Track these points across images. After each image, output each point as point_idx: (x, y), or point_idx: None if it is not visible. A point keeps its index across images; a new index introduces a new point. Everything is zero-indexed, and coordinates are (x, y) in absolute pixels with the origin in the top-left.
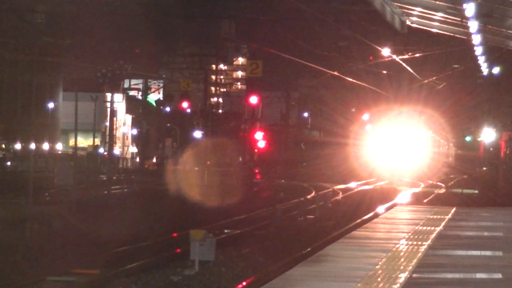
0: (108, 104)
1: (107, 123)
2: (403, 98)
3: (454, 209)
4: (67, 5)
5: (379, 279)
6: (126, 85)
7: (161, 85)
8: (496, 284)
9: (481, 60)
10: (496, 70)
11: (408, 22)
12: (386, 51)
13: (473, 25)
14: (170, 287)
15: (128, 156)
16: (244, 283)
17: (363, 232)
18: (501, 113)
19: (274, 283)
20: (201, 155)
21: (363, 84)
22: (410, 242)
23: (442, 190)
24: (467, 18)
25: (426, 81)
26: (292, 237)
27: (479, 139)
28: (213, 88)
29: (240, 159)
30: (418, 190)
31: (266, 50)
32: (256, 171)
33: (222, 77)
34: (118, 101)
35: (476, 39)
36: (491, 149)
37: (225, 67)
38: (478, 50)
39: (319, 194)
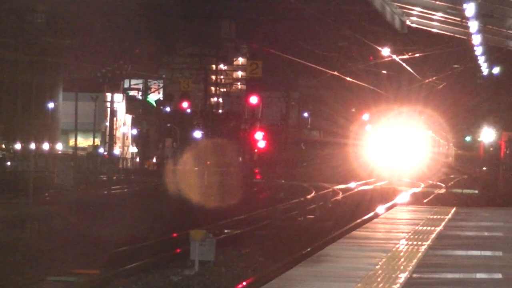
0: (108, 104)
1: (107, 123)
2: (403, 98)
3: (454, 209)
4: (67, 5)
5: (379, 279)
6: (126, 85)
7: (161, 85)
8: (496, 284)
9: (481, 60)
10: (496, 70)
11: (408, 22)
12: (386, 51)
13: (473, 25)
14: (170, 287)
15: (128, 156)
16: (244, 283)
17: (363, 232)
18: (501, 113)
19: (274, 283)
20: (201, 155)
21: (363, 84)
22: (410, 242)
23: (442, 190)
24: (467, 18)
25: (426, 81)
26: (292, 237)
27: (479, 139)
28: (213, 88)
29: (240, 159)
30: (418, 190)
31: (266, 50)
32: (256, 171)
33: (222, 77)
34: (118, 101)
35: (476, 39)
36: (491, 149)
37: (225, 67)
38: (478, 50)
39: (319, 194)
